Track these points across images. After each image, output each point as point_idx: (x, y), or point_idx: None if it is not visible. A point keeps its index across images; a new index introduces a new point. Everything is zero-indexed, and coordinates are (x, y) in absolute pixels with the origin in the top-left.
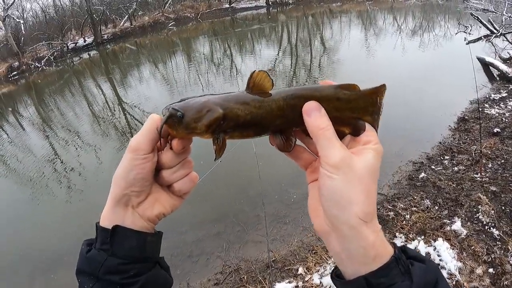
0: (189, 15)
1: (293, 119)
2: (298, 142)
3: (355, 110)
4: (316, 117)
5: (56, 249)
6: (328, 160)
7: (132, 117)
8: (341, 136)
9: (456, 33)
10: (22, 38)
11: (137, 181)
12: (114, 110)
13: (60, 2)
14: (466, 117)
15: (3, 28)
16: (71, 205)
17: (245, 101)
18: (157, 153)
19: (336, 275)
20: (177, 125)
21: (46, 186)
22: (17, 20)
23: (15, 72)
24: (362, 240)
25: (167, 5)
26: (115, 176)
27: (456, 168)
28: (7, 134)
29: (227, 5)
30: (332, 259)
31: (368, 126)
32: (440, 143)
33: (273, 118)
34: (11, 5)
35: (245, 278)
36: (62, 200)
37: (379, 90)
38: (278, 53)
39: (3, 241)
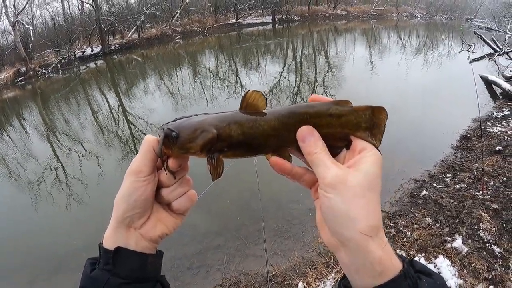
0: (196, 29)
1: (287, 138)
2: (301, 163)
3: (346, 125)
4: (309, 143)
5: (53, 254)
6: (323, 180)
7: (136, 128)
8: (336, 150)
9: (460, 52)
10: (31, 44)
11: (139, 203)
12: (118, 121)
13: (69, 11)
14: (468, 135)
15: (12, 33)
16: (70, 212)
17: (238, 121)
18: (156, 173)
19: (344, 285)
20: (172, 145)
21: (47, 192)
22: (27, 26)
23: (22, 78)
24: (369, 256)
25: (175, 18)
26: (117, 199)
27: (457, 186)
28: (10, 138)
29: (234, 21)
30: (332, 274)
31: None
32: (442, 161)
33: (266, 138)
34: (21, 10)
35: None
36: (62, 207)
37: (375, 109)
38: (283, 69)
39: (3, 244)
